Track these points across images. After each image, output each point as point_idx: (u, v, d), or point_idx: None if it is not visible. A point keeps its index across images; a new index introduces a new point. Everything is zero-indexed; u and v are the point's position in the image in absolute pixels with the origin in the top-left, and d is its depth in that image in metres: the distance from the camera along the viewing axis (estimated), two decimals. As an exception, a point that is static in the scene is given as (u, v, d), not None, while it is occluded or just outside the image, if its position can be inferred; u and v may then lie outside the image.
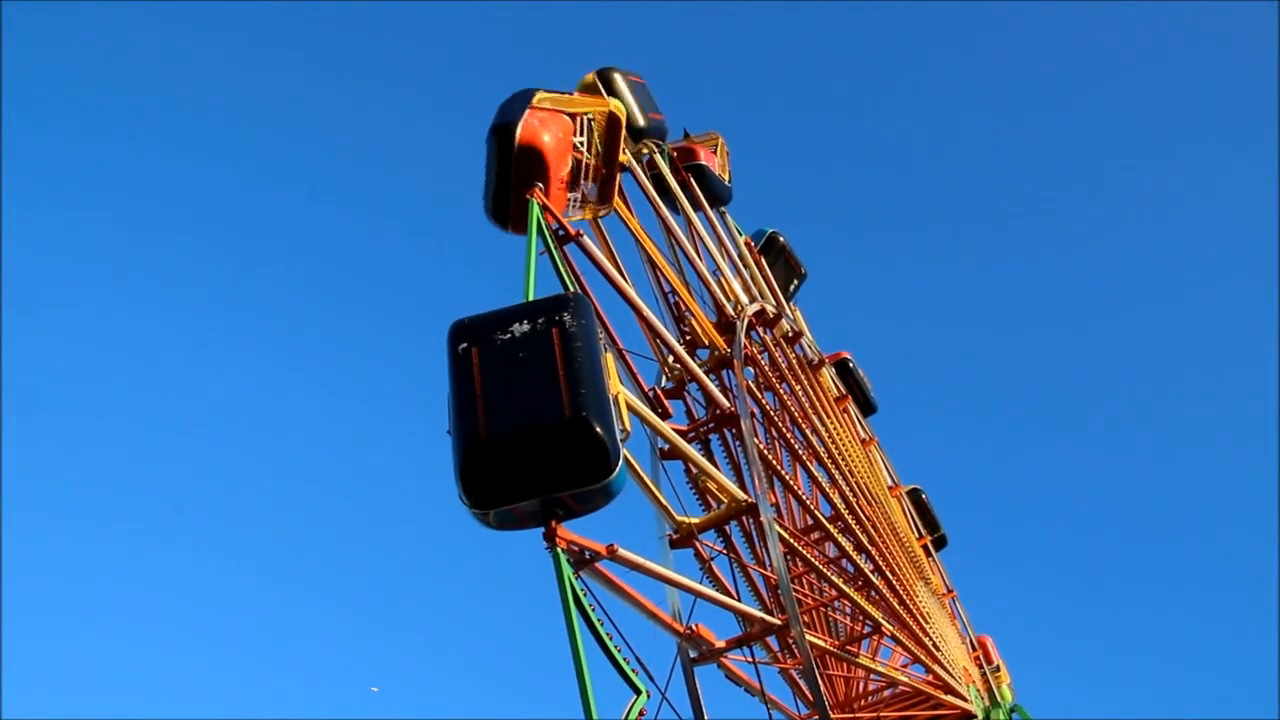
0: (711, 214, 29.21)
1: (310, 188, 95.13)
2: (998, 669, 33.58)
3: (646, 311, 21.64)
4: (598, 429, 14.35)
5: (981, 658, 32.50)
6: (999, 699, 28.99)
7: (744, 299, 26.46)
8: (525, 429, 14.42)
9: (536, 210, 18.70)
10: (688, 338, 24.17)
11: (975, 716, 25.99)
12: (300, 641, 73.59)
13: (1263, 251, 79.81)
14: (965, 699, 26.03)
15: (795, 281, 34.25)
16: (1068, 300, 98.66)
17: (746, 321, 25.36)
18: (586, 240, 20.05)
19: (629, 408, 16.48)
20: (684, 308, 24.27)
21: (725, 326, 24.82)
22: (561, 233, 19.35)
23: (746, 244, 31.64)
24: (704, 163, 29.57)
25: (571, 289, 18.23)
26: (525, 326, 15.39)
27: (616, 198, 22.43)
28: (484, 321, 15.62)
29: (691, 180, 28.56)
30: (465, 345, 15.26)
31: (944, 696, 25.42)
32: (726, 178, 30.94)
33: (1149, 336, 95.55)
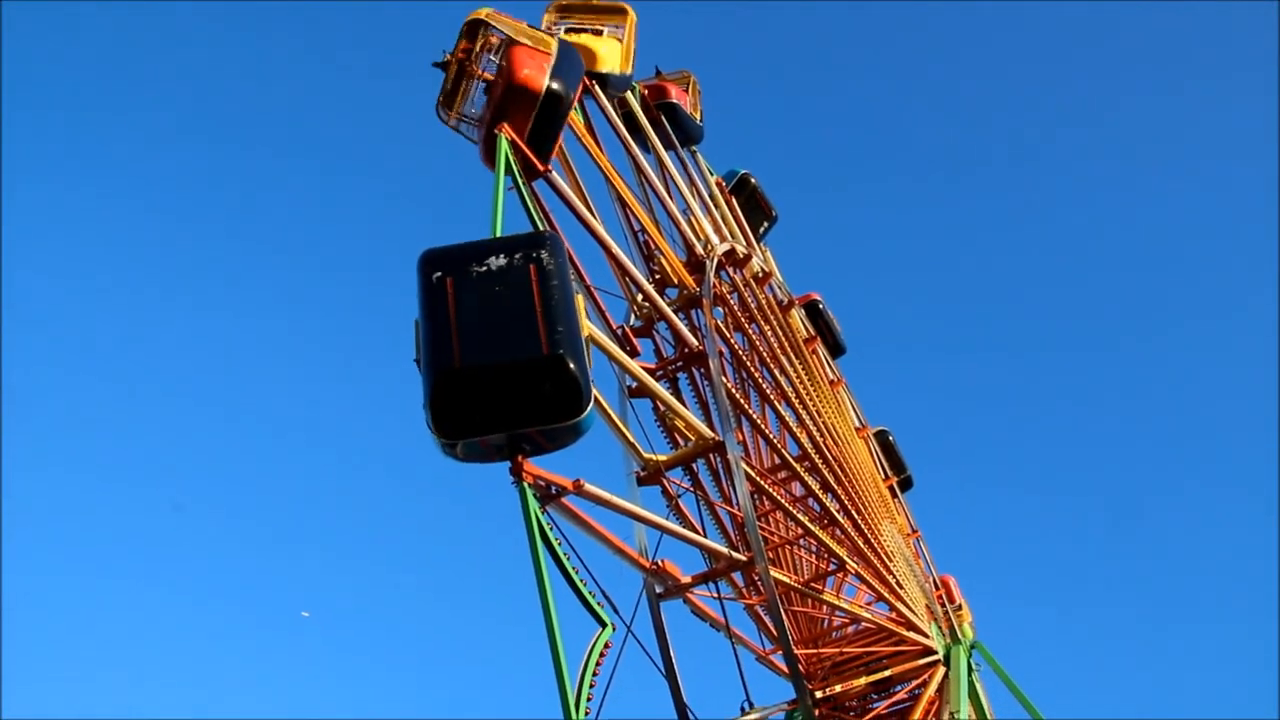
0: (682, 153, 29.06)
1: (311, 187, 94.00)
2: (960, 608, 34.05)
3: (616, 249, 21.57)
4: (572, 367, 14.48)
5: (944, 596, 32.91)
6: (960, 636, 29.37)
7: (714, 238, 26.40)
8: (501, 363, 14.49)
9: (505, 145, 18.53)
10: (657, 276, 24.13)
11: (936, 653, 26.41)
12: (299, 642, 73.81)
13: (1263, 251, 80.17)
14: (927, 636, 26.42)
15: (765, 224, 34.20)
16: (1038, 239, 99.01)
17: (716, 261, 25.31)
18: (556, 177, 19.92)
19: (597, 345, 16.62)
20: (653, 246, 24.21)
21: (695, 266, 24.76)
22: (531, 169, 19.21)
23: (718, 184, 31.51)
24: (675, 101, 29.36)
25: (542, 226, 18.17)
26: (502, 260, 15.39)
27: (586, 135, 22.26)
28: (458, 252, 15.59)
29: (663, 119, 28.37)
30: (439, 274, 15.21)
31: (906, 633, 25.78)
32: (698, 117, 30.73)
33: (1121, 270, 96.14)
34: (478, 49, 19.66)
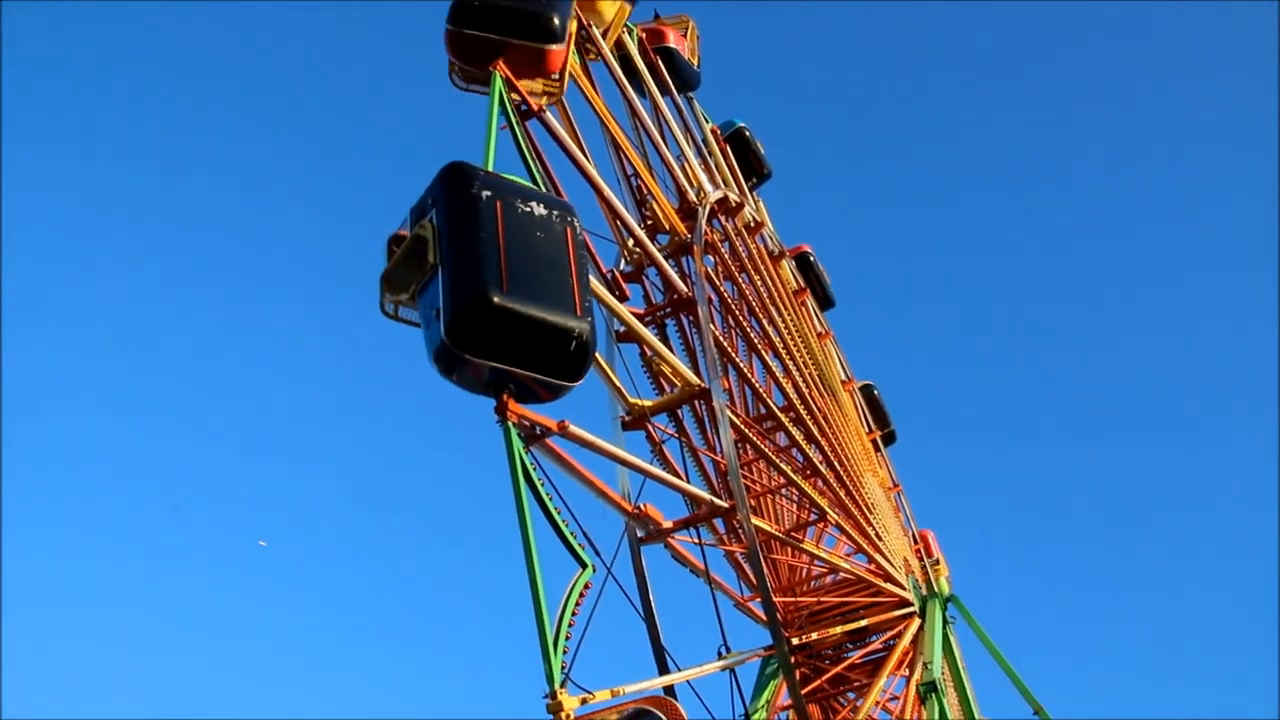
0: (678, 99, 28.83)
1: (308, 186, 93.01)
2: (937, 562, 34.41)
3: (608, 193, 21.46)
4: (592, 339, 15.27)
5: (922, 551, 33.24)
6: (936, 590, 29.68)
7: (707, 186, 26.27)
8: (539, 310, 14.73)
9: (499, 83, 18.35)
10: (649, 222, 24.01)
11: (912, 605, 26.69)
12: (300, 642, 73.97)
13: (1263, 249, 79.94)
14: (904, 588, 26.68)
15: (756, 180, 34.02)
16: (1039, 200, 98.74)
17: (709, 208, 25.22)
18: (549, 117, 19.75)
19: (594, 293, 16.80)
20: (646, 191, 24.07)
21: (687, 212, 24.67)
22: (524, 108, 19.05)
23: (713, 132, 31.31)
24: (673, 46, 29.07)
25: (535, 167, 18.08)
26: (542, 210, 15.69)
27: (582, 77, 22.07)
28: (501, 181, 15.84)
29: (659, 63, 28.11)
30: (488, 194, 15.27)
31: (884, 585, 26.04)
32: (696, 63, 30.46)
33: (1110, 227, 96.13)
34: None
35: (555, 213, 15.77)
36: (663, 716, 13.72)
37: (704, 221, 24.44)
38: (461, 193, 15.23)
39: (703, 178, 26.43)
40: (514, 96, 18.74)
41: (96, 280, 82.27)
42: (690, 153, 26.93)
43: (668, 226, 23.95)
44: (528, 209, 15.47)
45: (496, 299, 14.40)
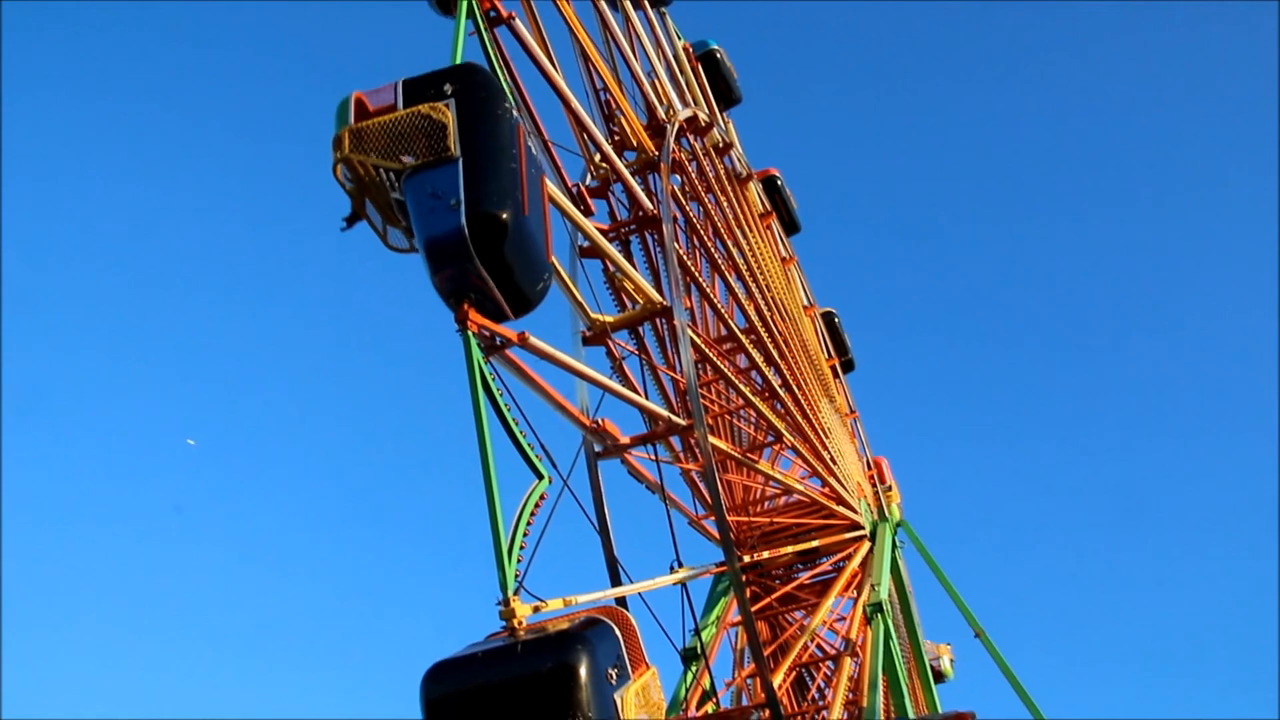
0: (651, 13, 28.38)
1: (308, 185, 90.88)
2: (890, 488, 34.86)
3: (576, 105, 21.15)
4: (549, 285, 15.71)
5: (875, 477, 33.67)
6: (888, 515, 30.17)
7: (677, 104, 26.01)
8: (530, 242, 14.90)
9: (468, -14, 17.94)
10: (616, 137, 23.75)
11: (863, 529, 27.12)
12: (298, 643, 73.72)
13: (1263, 249, 79.94)
14: (856, 511, 27.09)
15: (725, 105, 33.66)
16: (1017, 127, 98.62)
17: (677, 126, 24.98)
18: (519, 24, 19.38)
19: (553, 202, 16.64)
20: (614, 106, 23.78)
21: (655, 129, 24.43)
22: (493, 14, 18.68)
23: (685, 49, 30.91)
24: None
25: (503, 76, 17.80)
26: (531, 146, 15.88)
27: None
28: (511, 108, 15.86)
29: (632, -26, 27.60)
30: (515, 118, 15.38)
31: (836, 507, 26.42)
32: (669, -24, 29.96)
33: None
34: None
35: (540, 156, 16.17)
36: (614, 626, 13.86)
37: (672, 139, 24.22)
38: (495, 105, 15.28)
39: (673, 95, 26.16)
40: (484, 3, 18.37)
41: (97, 280, 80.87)
42: (661, 69, 26.60)
43: (635, 143, 23.70)
44: (528, 148, 15.61)
45: (516, 222, 14.58)
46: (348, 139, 15.05)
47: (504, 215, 14.42)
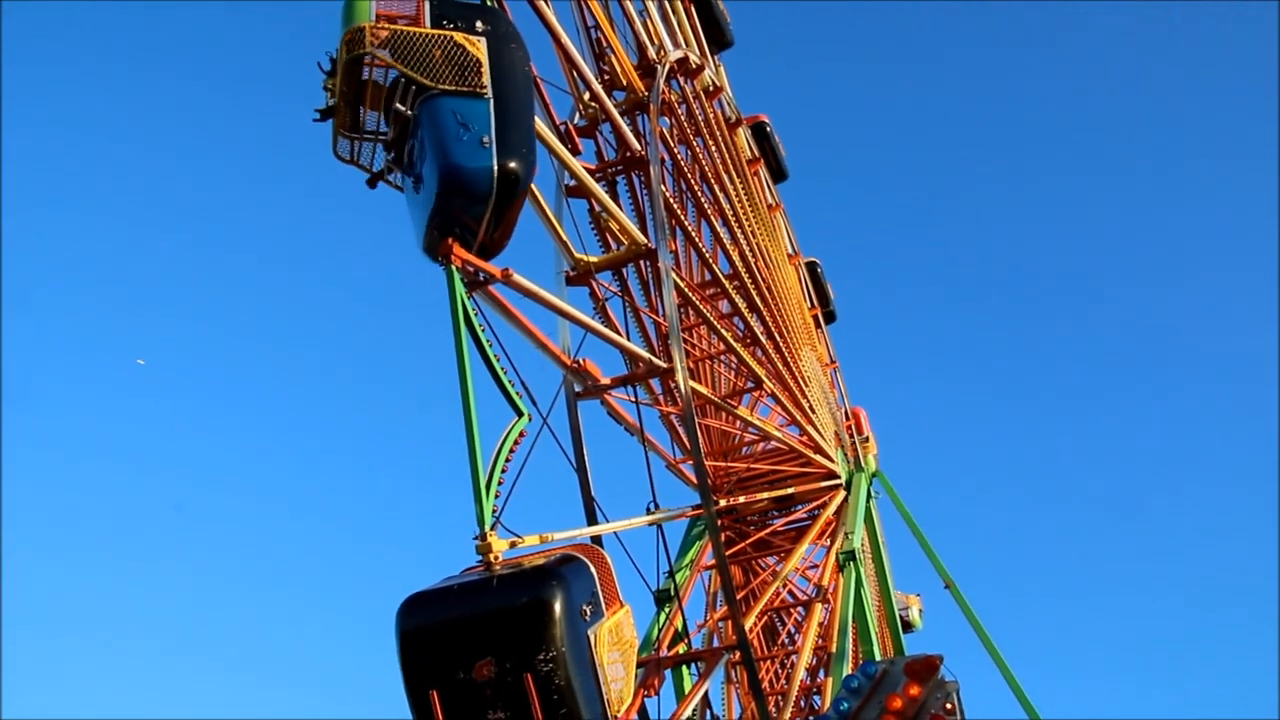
0: (644, -49, 27.94)
1: (308, 185, 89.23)
2: (867, 440, 35.01)
3: (566, 42, 20.88)
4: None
5: (853, 427, 33.82)
6: (864, 466, 30.35)
7: (668, 44, 25.70)
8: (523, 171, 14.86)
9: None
10: (606, 77, 23.45)
11: (839, 478, 27.31)
12: (299, 643, 73.46)
13: (1263, 247, 79.47)
14: (832, 460, 27.26)
15: (716, 48, 33.28)
16: (1005, 83, 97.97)
17: (668, 67, 24.71)
18: (510, -43, 19.07)
19: (540, 139, 16.49)
20: (605, 44, 23.46)
21: (646, 70, 24.14)
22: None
23: (678, -11, 30.49)
24: None
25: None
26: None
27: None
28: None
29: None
30: (524, 57, 15.54)
31: (813, 455, 26.57)
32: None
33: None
34: None
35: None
36: (590, 563, 13.92)
37: (662, 80, 23.96)
38: (525, 57, 15.62)
39: (664, 35, 25.83)
40: None
41: (97, 280, 79.78)
42: (653, 8, 26.22)
43: (625, 83, 23.44)
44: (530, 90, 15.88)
45: (527, 182, 14.90)
46: (370, 33, 14.82)
47: (526, 172, 14.70)
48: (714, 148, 26.83)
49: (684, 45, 27.37)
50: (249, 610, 76.67)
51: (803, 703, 24.54)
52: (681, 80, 26.33)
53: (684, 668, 22.90)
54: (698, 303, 22.81)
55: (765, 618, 28.34)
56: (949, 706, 9.16)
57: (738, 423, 26.63)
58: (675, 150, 24.53)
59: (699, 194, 24.96)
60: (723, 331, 23.61)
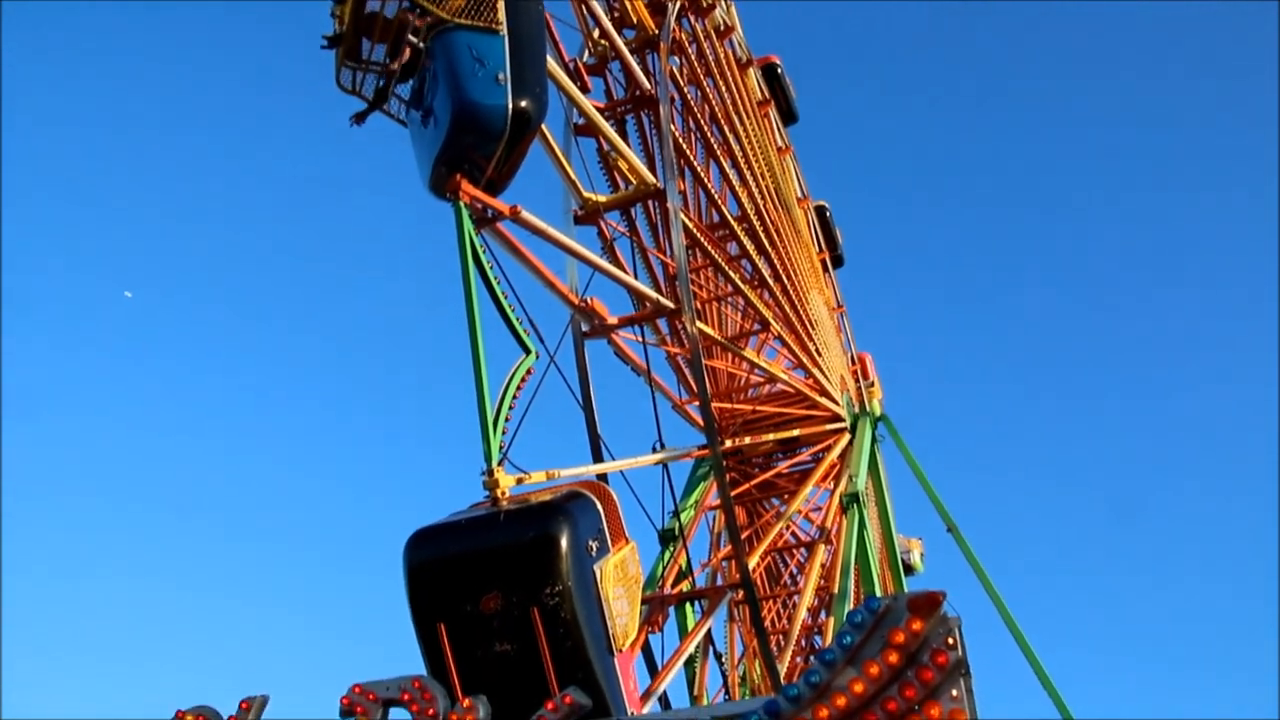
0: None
1: (308, 185, 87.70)
2: (872, 384, 35.02)
3: (576, -24, 20.73)
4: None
5: (859, 372, 33.82)
6: (869, 410, 30.40)
7: (679, -20, 25.40)
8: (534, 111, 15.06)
9: None
10: (616, 14, 23.24)
11: (844, 421, 27.38)
12: (300, 644, 73.44)
13: (1263, 246, 78.12)
14: (838, 404, 27.31)
15: None
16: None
17: (679, 5, 24.47)
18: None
19: (550, 75, 16.40)
20: (616, -20, 23.25)
21: (656, 7, 23.87)
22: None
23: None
24: None
25: None
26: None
27: None
28: None
29: None
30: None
31: (819, 399, 26.61)
32: None
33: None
34: None
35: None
36: (596, 500, 14.05)
37: (673, 19, 23.74)
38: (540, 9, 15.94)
39: (675, -29, 25.53)
40: None
41: (97, 280, 79.05)
42: (665, -56, 25.91)
43: (635, 20, 23.21)
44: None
45: (538, 123, 15.17)
46: None
47: (539, 112, 14.87)
48: (724, 88, 26.61)
49: (695, -18, 27.07)
50: (253, 553, 77.21)
51: (804, 642, 24.79)
52: (692, 18, 26.07)
53: (687, 605, 23.16)
54: (706, 244, 22.76)
55: (768, 559, 28.58)
56: (950, 641, 9.26)
57: (744, 364, 26.67)
58: (685, 89, 24.33)
59: (709, 134, 24.80)
60: (730, 273, 23.56)
